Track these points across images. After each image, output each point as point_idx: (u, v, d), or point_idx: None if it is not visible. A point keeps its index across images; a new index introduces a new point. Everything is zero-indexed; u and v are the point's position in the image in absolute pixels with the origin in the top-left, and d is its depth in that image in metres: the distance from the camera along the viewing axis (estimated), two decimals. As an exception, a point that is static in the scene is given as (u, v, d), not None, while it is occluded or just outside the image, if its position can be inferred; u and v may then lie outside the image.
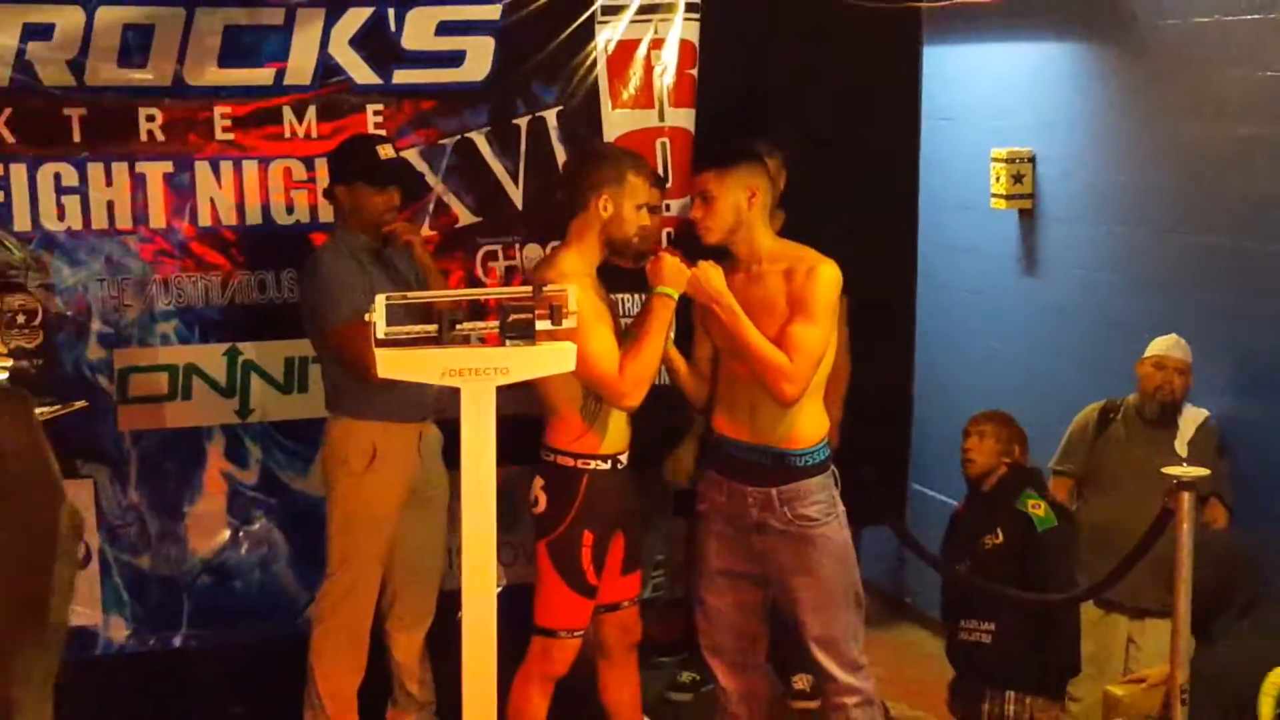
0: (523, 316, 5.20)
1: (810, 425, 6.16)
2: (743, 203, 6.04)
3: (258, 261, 7.16)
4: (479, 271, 7.39)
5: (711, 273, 5.94)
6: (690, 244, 6.30)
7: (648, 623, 6.81)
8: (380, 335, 5.15)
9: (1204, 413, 7.63)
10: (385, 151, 6.66)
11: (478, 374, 5.16)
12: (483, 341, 5.36)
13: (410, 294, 5.46)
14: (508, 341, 5.18)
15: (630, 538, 6.45)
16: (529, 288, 5.40)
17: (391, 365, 5.19)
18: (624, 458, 6.34)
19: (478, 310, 5.33)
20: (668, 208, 7.50)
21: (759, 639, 6.48)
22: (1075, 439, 7.91)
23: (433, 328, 5.18)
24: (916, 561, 8.43)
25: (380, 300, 5.20)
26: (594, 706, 6.77)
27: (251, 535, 7.22)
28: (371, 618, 6.72)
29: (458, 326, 5.20)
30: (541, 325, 5.22)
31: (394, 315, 5.19)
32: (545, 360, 5.31)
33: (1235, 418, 7.60)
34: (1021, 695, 6.78)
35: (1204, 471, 5.71)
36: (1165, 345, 7.64)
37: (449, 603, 6.37)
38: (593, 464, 6.25)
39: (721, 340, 6.14)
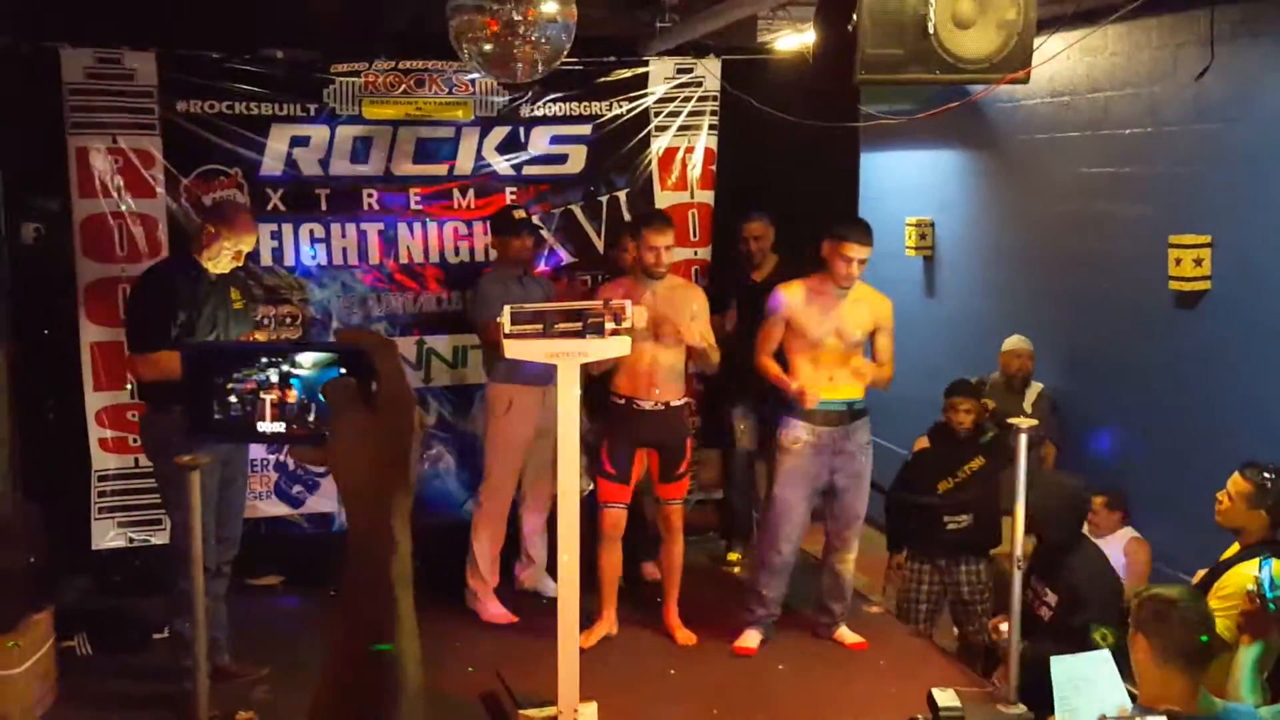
0: (596, 320, 5.25)
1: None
2: None
3: (436, 286, 7.21)
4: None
5: None
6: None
7: (690, 517, 6.75)
8: (507, 330, 5.22)
9: (1040, 385, 7.62)
10: (519, 215, 6.67)
11: (567, 355, 5.20)
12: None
13: (526, 305, 5.46)
14: (586, 335, 5.24)
15: (664, 459, 6.25)
16: (600, 302, 5.42)
17: (514, 349, 5.25)
18: (642, 402, 6.14)
19: (570, 316, 5.33)
20: (695, 252, 7.54)
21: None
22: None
23: (540, 326, 5.25)
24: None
25: (506, 309, 5.26)
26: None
27: (432, 457, 7.26)
28: (509, 508, 6.71)
29: (556, 326, 5.25)
30: (608, 325, 5.28)
31: (516, 318, 5.25)
32: (610, 348, 5.32)
33: (1061, 389, 7.60)
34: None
35: (1034, 422, 5.66)
36: (1016, 341, 7.63)
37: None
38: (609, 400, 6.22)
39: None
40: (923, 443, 6.96)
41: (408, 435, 1.21)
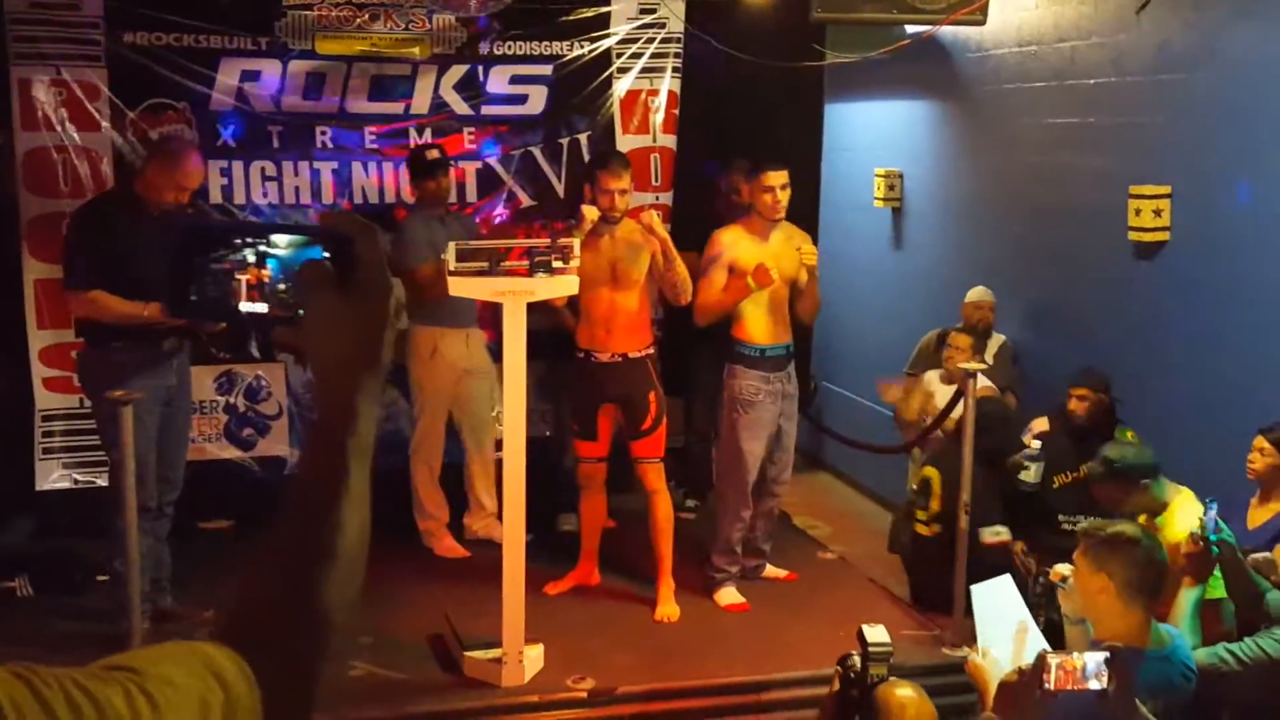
0: (543, 258, 5.16)
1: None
2: None
3: (390, 226, 7.03)
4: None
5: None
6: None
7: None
8: (452, 268, 5.12)
9: (1002, 337, 7.57)
10: (432, 155, 6.58)
11: (514, 294, 5.13)
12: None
13: (471, 242, 5.39)
14: (533, 273, 5.16)
15: (628, 414, 6.04)
16: (547, 239, 5.34)
17: (459, 287, 5.16)
18: (599, 355, 5.98)
19: (517, 254, 5.26)
20: (657, 197, 7.45)
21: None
22: (921, 351, 7.81)
23: (485, 263, 5.16)
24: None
25: (452, 245, 5.17)
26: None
27: (387, 402, 7.10)
28: (442, 449, 6.69)
29: (501, 264, 5.17)
30: (556, 264, 5.19)
31: (462, 255, 5.16)
32: (558, 286, 5.25)
33: (1023, 340, 7.55)
34: None
35: (982, 365, 5.68)
36: (979, 293, 7.55)
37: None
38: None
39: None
40: (1042, 424, 6.46)
41: (382, 321, 1.24)
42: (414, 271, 6.16)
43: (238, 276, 1.25)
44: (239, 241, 1.25)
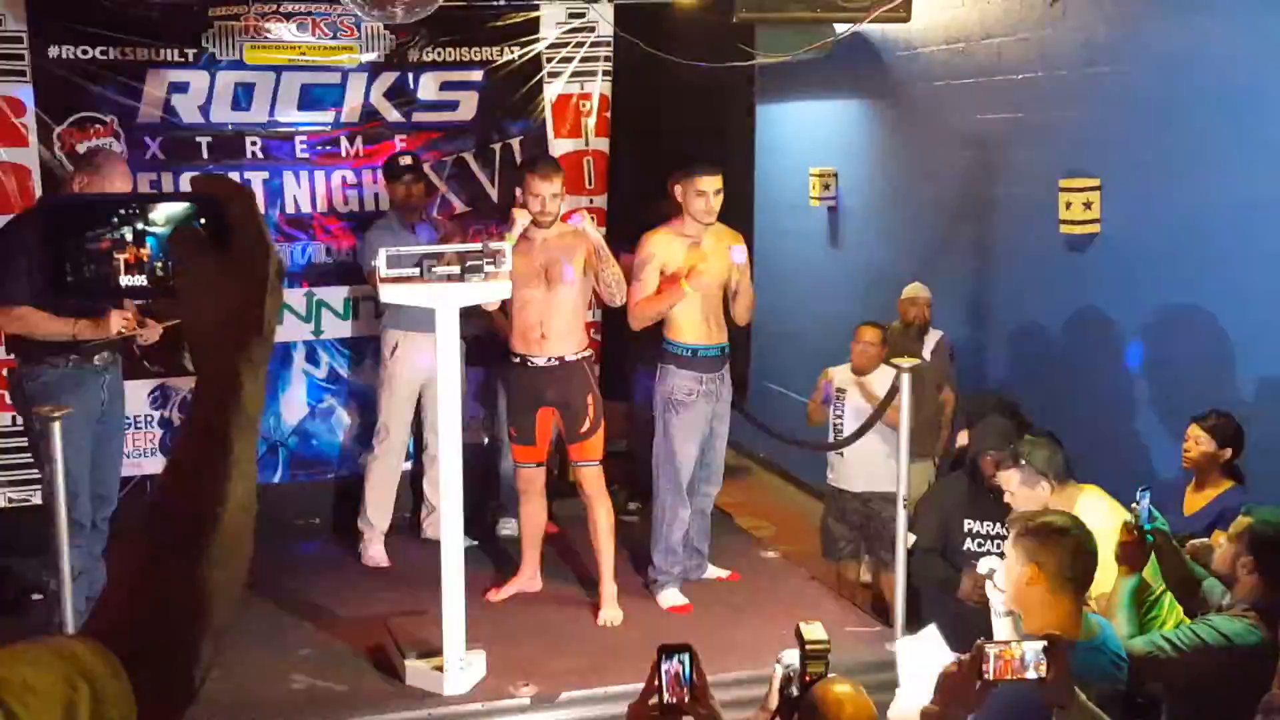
0: (475, 262, 5.13)
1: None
2: None
3: (325, 236, 7.10)
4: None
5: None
6: None
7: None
8: (382, 274, 5.09)
9: (940, 332, 7.57)
10: (404, 160, 6.61)
11: (445, 298, 5.10)
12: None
13: (401, 248, 5.33)
14: (465, 278, 5.11)
15: (566, 418, 5.99)
16: (479, 244, 5.31)
17: (390, 293, 5.14)
18: (535, 359, 5.92)
19: (448, 259, 5.20)
20: (591, 201, 7.43)
21: None
22: (858, 351, 7.83)
23: (417, 269, 5.12)
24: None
25: (381, 251, 5.13)
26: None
27: (321, 410, 7.17)
28: (403, 454, 6.70)
29: (433, 269, 5.12)
30: (488, 268, 5.15)
31: (393, 261, 5.12)
32: (490, 290, 5.23)
33: (960, 335, 7.57)
34: None
35: (915, 361, 5.64)
36: (914, 289, 7.52)
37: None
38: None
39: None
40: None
41: (261, 284, 1.20)
42: (372, 274, 6.10)
43: (116, 256, 1.21)
44: (115, 219, 1.21)
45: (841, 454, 6.53)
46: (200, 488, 1.16)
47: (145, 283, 1.22)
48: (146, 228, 1.21)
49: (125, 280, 1.21)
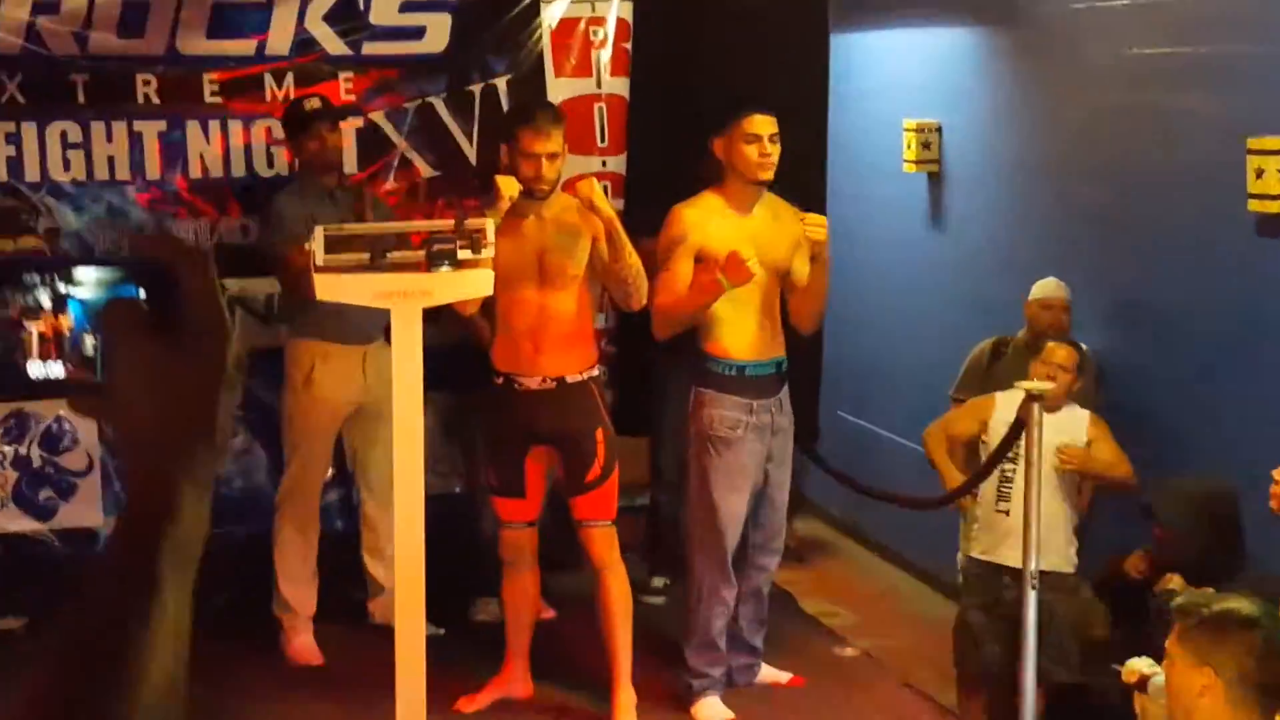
0: (446, 246, 5.10)
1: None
2: None
3: (242, 209, 7.12)
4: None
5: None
6: None
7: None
8: (319, 262, 5.07)
9: (1081, 346, 7.53)
10: (310, 104, 6.65)
11: (405, 296, 5.09)
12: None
13: (345, 225, 5.33)
14: (432, 268, 5.08)
15: (566, 459, 6.03)
16: (452, 220, 5.29)
17: (328, 288, 5.13)
18: (525, 380, 5.94)
19: (409, 241, 5.20)
20: (604, 163, 7.41)
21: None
22: (970, 370, 7.77)
23: (366, 255, 5.10)
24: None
25: (319, 231, 5.12)
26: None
27: (233, 448, 7.13)
28: (317, 507, 6.73)
29: (388, 255, 5.10)
30: (463, 254, 5.12)
31: (332, 244, 5.10)
32: (466, 285, 5.21)
33: (1108, 349, 7.53)
34: None
35: (1049, 386, 5.61)
36: (1048, 288, 7.52)
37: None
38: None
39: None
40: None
41: (217, 373, 1.25)
42: (284, 260, 6.16)
43: (27, 326, 1.24)
44: (27, 280, 1.24)
45: (1006, 511, 6.39)
46: (119, 644, 1.16)
47: (63, 374, 1.25)
48: (70, 291, 1.24)
49: (36, 370, 1.25)
